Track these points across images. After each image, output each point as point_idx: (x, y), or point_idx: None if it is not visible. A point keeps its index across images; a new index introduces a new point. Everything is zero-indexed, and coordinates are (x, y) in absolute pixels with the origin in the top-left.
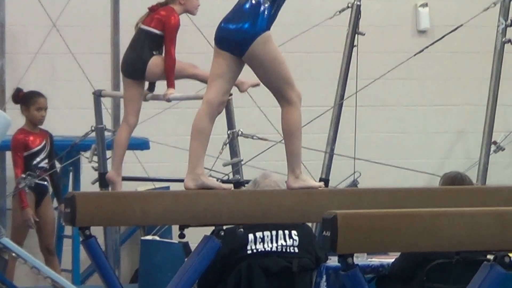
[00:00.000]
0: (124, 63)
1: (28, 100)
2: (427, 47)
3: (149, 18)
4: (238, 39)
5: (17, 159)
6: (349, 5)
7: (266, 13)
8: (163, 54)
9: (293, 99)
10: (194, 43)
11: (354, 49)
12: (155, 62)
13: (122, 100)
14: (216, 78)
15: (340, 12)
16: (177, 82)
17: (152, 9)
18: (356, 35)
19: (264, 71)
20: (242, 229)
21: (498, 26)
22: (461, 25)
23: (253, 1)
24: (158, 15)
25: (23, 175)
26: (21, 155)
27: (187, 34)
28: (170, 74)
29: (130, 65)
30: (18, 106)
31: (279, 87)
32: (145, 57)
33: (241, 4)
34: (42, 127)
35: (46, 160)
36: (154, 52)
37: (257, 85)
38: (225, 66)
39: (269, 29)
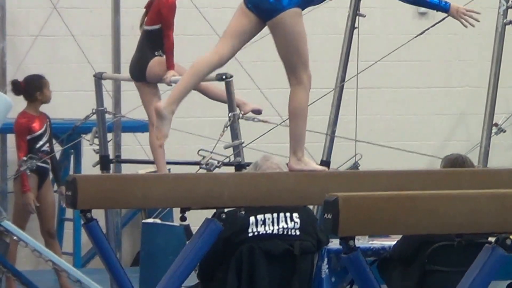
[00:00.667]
0: (130, 66)
1: (39, 84)
2: (427, 29)
3: (148, 16)
4: (272, 2)
5: (21, 143)
6: None
7: None
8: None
9: (303, 79)
10: (198, 27)
11: (355, 31)
12: (155, 63)
13: (122, 83)
14: (234, 36)
15: None
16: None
17: (148, 6)
18: (357, 17)
19: (285, 42)
20: (243, 212)
21: (499, 7)
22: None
23: None
24: (154, 9)
25: (25, 158)
26: (24, 139)
27: (189, 18)
28: (169, 55)
29: (134, 67)
30: None
31: (294, 63)
32: (146, 58)
33: None
34: (41, 109)
35: (48, 144)
36: (156, 53)
37: (259, 112)
38: (247, 27)
39: (302, 8)
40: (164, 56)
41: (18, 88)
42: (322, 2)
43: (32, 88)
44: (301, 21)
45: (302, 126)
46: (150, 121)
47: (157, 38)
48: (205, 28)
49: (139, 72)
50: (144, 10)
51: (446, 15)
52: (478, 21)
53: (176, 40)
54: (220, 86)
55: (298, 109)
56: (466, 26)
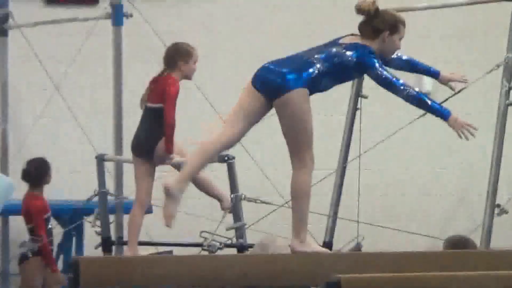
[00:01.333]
0: (134, 142)
1: (46, 168)
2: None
3: (152, 94)
4: (279, 81)
5: (42, 222)
6: None
7: (314, 73)
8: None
9: (307, 161)
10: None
11: (357, 111)
12: (163, 146)
13: (124, 164)
14: (241, 117)
15: None
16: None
17: (152, 83)
18: (359, 98)
19: (291, 121)
20: None
21: (501, 88)
22: (464, 88)
23: (309, 58)
24: (159, 88)
25: (25, 240)
26: (43, 218)
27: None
28: (167, 138)
29: (140, 145)
30: (20, 169)
31: (298, 144)
32: (154, 138)
33: (297, 55)
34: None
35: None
36: (166, 156)
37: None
38: (256, 108)
39: (309, 89)
40: None
41: (29, 176)
42: (329, 89)
43: (41, 174)
44: (307, 102)
45: (305, 208)
46: (136, 196)
47: (163, 117)
48: (207, 108)
49: (146, 151)
50: (148, 86)
51: (447, 96)
52: (474, 136)
53: (177, 120)
54: (212, 182)
55: (300, 191)
56: (461, 138)
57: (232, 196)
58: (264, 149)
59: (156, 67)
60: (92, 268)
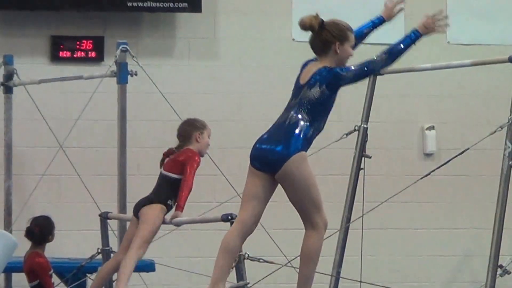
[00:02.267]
0: (139, 201)
1: (50, 227)
2: (433, 170)
3: (170, 163)
4: (272, 158)
5: (49, 279)
6: (356, 128)
7: (302, 134)
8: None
9: (318, 224)
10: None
11: (361, 171)
12: (156, 210)
13: (128, 223)
14: (250, 198)
15: (347, 135)
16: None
17: (167, 154)
18: (363, 158)
19: (294, 190)
20: None
21: (504, 149)
22: (468, 149)
23: (289, 121)
24: (179, 159)
25: None
26: (49, 275)
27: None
28: (183, 197)
29: (140, 205)
30: (24, 226)
31: (307, 209)
32: (150, 199)
33: (279, 123)
34: (47, 248)
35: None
36: (169, 201)
37: None
38: (261, 187)
39: (304, 149)
40: (173, 209)
41: (33, 234)
42: (325, 121)
43: (45, 233)
44: (305, 166)
45: (312, 270)
46: (121, 245)
47: (175, 187)
48: (211, 168)
49: (136, 208)
50: (163, 156)
51: (451, 157)
52: (448, 26)
53: None
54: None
55: (312, 253)
56: (440, 32)
57: None
58: (267, 208)
59: (161, 125)
60: None
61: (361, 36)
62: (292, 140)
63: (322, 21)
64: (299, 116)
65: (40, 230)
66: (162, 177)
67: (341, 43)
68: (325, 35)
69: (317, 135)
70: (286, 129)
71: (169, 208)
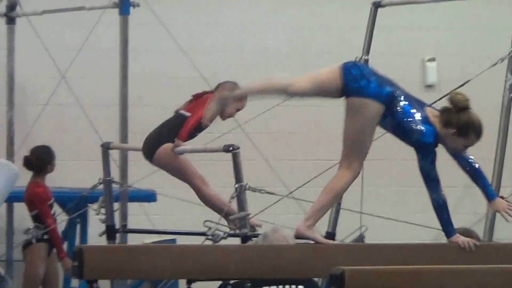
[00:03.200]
0: (145, 140)
1: (49, 157)
2: (434, 102)
3: (192, 105)
4: (363, 84)
5: (47, 209)
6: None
7: (394, 96)
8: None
9: (355, 167)
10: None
11: None
12: (166, 149)
13: (130, 153)
14: (315, 81)
15: None
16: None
17: (196, 96)
18: None
19: (356, 126)
20: (249, 284)
21: (505, 81)
22: (468, 81)
23: (397, 90)
24: (202, 103)
25: (29, 227)
26: (47, 205)
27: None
28: (186, 128)
29: (147, 143)
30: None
31: (353, 149)
32: (161, 141)
33: (390, 79)
34: (49, 178)
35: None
36: (175, 140)
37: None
38: (329, 85)
39: (384, 103)
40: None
41: (31, 164)
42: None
43: (43, 162)
44: (375, 118)
45: (331, 201)
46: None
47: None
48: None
49: (148, 149)
50: (191, 97)
51: (452, 89)
52: None
53: None
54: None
55: (336, 188)
56: (507, 221)
57: (236, 185)
58: (269, 139)
59: (162, 57)
60: (96, 256)
61: (473, 176)
62: (384, 91)
63: (467, 106)
64: (401, 101)
65: (37, 160)
66: (175, 115)
67: (458, 135)
68: (452, 116)
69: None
70: (389, 83)
71: None
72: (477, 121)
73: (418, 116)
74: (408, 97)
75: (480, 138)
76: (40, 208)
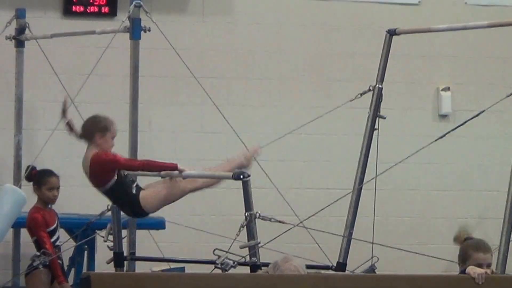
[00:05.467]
0: None
1: (39, 179)
2: (448, 132)
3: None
4: None
5: (44, 235)
6: (371, 87)
7: None
8: None
9: None
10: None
11: (375, 132)
12: (145, 198)
13: (138, 178)
14: None
15: (361, 94)
16: (189, 162)
17: None
18: (377, 118)
19: None
20: None
21: None
22: (483, 111)
23: None
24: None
25: (37, 253)
26: (46, 230)
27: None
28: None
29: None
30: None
31: None
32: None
33: None
34: (56, 204)
35: (59, 239)
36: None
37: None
38: None
39: None
40: None
41: (29, 175)
42: None
43: (35, 181)
44: None
45: None
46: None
47: None
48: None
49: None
50: None
51: (466, 119)
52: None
53: None
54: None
55: None
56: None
57: (246, 214)
58: (279, 168)
59: (171, 81)
60: (103, 283)
61: None
62: None
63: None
64: None
65: (39, 173)
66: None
67: None
68: None
69: None
70: None
71: None
72: None
73: None
74: None
75: None
76: (37, 234)
